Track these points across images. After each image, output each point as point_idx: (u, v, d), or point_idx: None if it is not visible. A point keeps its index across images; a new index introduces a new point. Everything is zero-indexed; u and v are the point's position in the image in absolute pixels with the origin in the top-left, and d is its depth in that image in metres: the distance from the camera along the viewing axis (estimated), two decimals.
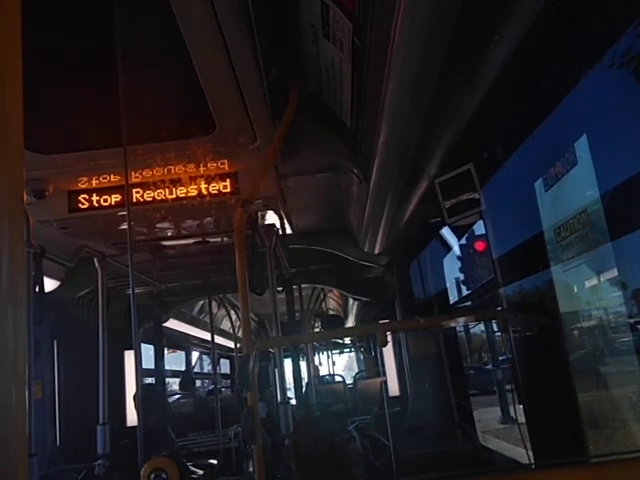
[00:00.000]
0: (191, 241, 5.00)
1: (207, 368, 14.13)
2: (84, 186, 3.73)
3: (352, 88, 2.83)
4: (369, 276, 6.68)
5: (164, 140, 3.38)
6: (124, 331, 5.71)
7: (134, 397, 4.78)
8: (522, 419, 3.19)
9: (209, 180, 3.67)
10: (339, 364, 21.03)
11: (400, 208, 3.77)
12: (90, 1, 2.44)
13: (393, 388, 7.33)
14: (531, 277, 2.95)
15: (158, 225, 4.46)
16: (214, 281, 6.35)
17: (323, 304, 11.15)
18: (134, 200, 3.67)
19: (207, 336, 9.56)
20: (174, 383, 10.77)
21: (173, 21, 2.30)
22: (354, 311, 11.07)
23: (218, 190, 3.68)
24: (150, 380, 7.75)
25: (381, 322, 6.63)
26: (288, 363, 7.55)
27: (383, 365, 8.10)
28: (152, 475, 3.54)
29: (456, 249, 5.73)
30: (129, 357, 6.54)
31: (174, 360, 11.90)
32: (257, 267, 3.37)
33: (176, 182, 3.67)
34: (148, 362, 7.71)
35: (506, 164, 2.93)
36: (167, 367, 9.70)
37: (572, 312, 3.05)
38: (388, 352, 7.42)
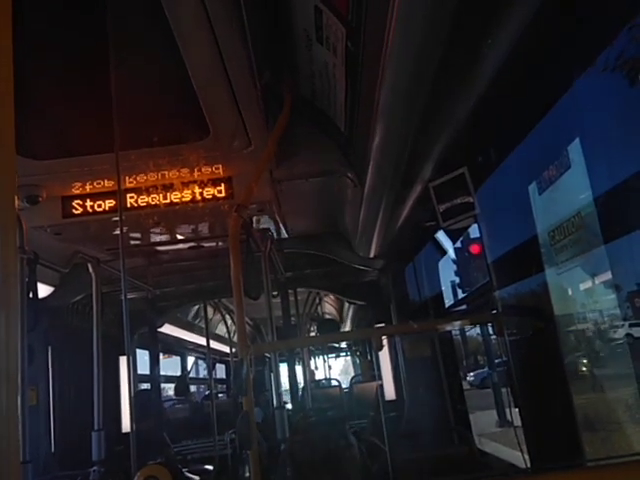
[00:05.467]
0: (186, 246, 5.00)
1: (203, 373, 14.08)
2: (78, 192, 3.72)
3: (346, 92, 2.83)
4: (364, 280, 6.68)
5: (158, 145, 3.38)
6: (119, 337, 5.67)
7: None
8: (518, 422, 3.19)
9: (203, 185, 3.67)
10: (335, 368, 21.03)
11: (395, 212, 3.78)
12: (83, 6, 2.44)
13: (389, 392, 7.32)
14: (526, 280, 2.96)
15: (152, 230, 4.45)
16: (209, 286, 6.33)
17: (319, 308, 11.14)
18: (128, 205, 3.66)
19: (202, 341, 9.53)
20: (169, 388, 10.73)
21: (166, 26, 2.30)
22: (350, 315, 11.06)
23: (212, 195, 3.68)
24: (145, 386, 7.72)
25: (377, 326, 6.63)
26: (284, 367, 7.54)
27: (379, 369, 8.10)
28: None
29: (451, 252, 5.75)
30: (124, 363, 6.51)
31: (169, 365, 11.86)
32: (252, 272, 3.37)
33: (170, 187, 3.67)
34: (143, 367, 7.67)
35: (500, 167, 2.94)
36: (162, 372, 9.66)
37: (567, 315, 3.06)
38: (384, 356, 7.41)
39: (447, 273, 6.09)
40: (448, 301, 5.50)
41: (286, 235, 5.02)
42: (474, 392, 18.92)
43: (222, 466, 5.98)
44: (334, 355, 20.22)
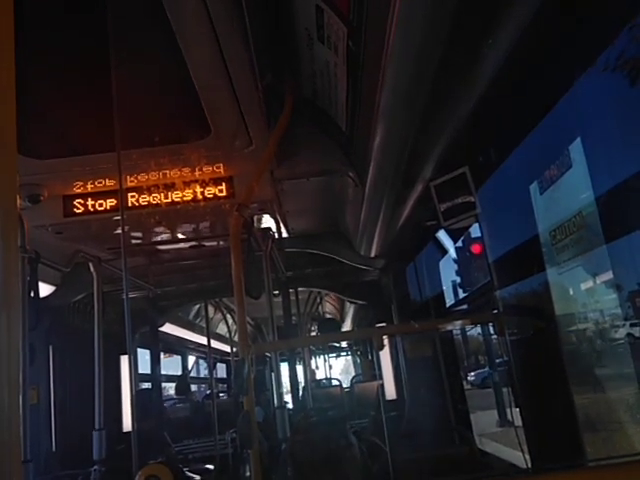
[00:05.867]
0: (187, 245, 5.00)
1: (203, 372, 14.08)
2: (79, 191, 3.73)
3: (347, 91, 2.83)
4: (365, 279, 6.68)
5: (159, 144, 3.38)
6: (120, 336, 5.68)
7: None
8: (519, 422, 3.19)
9: (204, 184, 3.67)
10: (336, 368, 21.04)
11: (396, 211, 3.78)
12: (85, 6, 2.44)
13: (390, 391, 7.32)
14: (527, 280, 2.96)
15: (154, 229, 4.46)
16: (210, 285, 6.34)
17: (320, 307, 11.14)
18: (129, 204, 3.67)
19: (203, 340, 9.53)
20: (170, 388, 10.73)
21: (168, 26, 2.30)
22: (351, 314, 11.06)
23: (213, 194, 3.68)
24: (146, 385, 7.72)
25: (378, 325, 6.63)
26: (285, 367, 7.55)
27: (380, 368, 8.10)
28: None
29: (452, 252, 5.74)
30: (125, 362, 6.52)
31: (170, 365, 11.86)
32: (253, 271, 3.37)
33: (171, 186, 3.67)
34: (144, 367, 7.68)
35: (501, 167, 2.94)
36: (163, 372, 9.66)
37: (568, 314, 3.06)
38: (385, 355, 7.41)
39: (448, 273, 6.07)
40: (449, 301, 5.50)
41: (287, 234, 5.03)
42: (475, 392, 18.92)
43: (223, 465, 5.99)
44: (335, 355, 20.22)
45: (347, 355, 20.60)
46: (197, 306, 9.16)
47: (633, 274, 2.63)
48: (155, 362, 7.31)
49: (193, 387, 12.62)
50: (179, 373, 11.61)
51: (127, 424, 6.18)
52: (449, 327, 4.86)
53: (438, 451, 4.35)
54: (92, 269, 4.79)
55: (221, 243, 4.90)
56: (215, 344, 10.72)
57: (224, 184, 3.68)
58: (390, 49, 1.97)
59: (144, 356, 7.66)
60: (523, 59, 2.11)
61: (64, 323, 5.65)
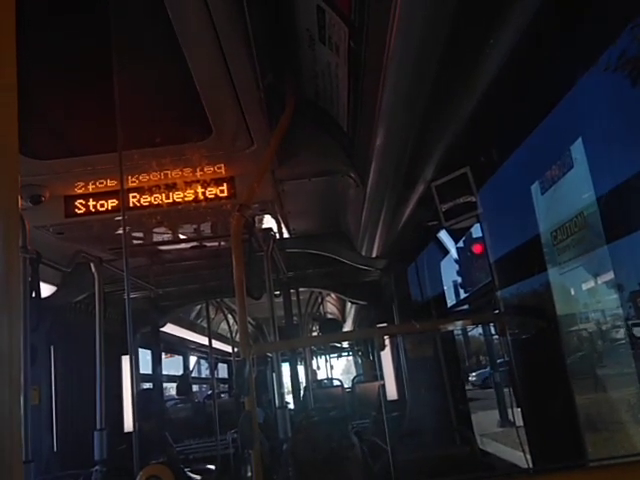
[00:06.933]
0: (188, 245, 5.00)
1: (205, 373, 14.09)
2: (80, 191, 3.73)
3: (348, 92, 2.83)
4: (367, 280, 6.68)
5: (160, 145, 3.38)
6: (121, 336, 5.69)
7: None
8: (520, 422, 3.19)
9: (206, 185, 3.67)
10: (337, 368, 21.04)
11: (397, 211, 3.77)
12: (87, 7, 2.44)
13: (391, 392, 7.32)
14: (528, 280, 2.96)
15: (155, 230, 4.46)
16: (211, 285, 6.35)
17: (321, 308, 11.14)
18: (131, 205, 3.67)
19: (205, 340, 9.54)
20: (172, 388, 10.73)
21: (169, 27, 2.30)
22: (352, 315, 11.06)
23: (215, 194, 3.68)
24: (148, 385, 7.73)
25: (379, 326, 6.62)
26: (286, 367, 7.55)
27: (381, 369, 8.10)
28: None
29: (453, 252, 5.73)
30: (127, 362, 6.52)
31: (171, 365, 11.87)
32: (254, 271, 3.37)
33: (173, 187, 3.67)
34: (146, 367, 7.69)
35: (502, 167, 2.94)
36: (164, 372, 9.67)
37: (569, 314, 3.05)
38: (386, 356, 7.41)
39: (449, 273, 6.07)
40: (450, 301, 5.49)
41: (288, 235, 5.03)
42: (476, 392, 18.91)
43: (224, 466, 5.99)
44: (336, 355, 20.22)
45: (348, 355, 20.61)
46: (198, 306, 9.17)
47: (634, 274, 2.63)
48: (156, 362, 7.32)
49: (194, 387, 12.63)
50: (180, 373, 11.61)
51: (128, 424, 6.18)
52: (450, 327, 4.86)
53: (439, 451, 4.35)
54: (93, 269, 4.79)
55: (222, 243, 4.90)
56: (216, 344, 10.73)
57: (225, 184, 3.68)
58: (391, 49, 1.97)
59: (145, 356, 7.67)
60: (524, 59, 2.10)
61: (65, 323, 5.65)
